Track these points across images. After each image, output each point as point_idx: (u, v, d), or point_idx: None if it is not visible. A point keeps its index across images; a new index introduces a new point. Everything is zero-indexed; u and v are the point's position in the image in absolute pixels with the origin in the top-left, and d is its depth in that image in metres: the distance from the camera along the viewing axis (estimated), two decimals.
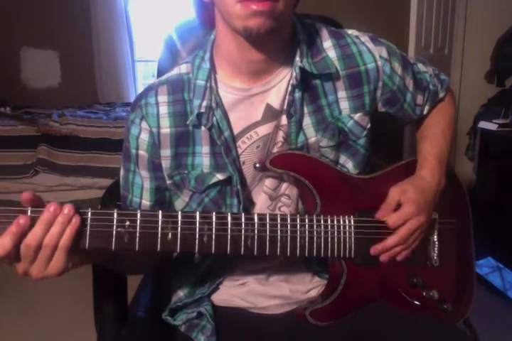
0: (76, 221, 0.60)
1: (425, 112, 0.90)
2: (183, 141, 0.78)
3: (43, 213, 0.59)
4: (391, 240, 0.76)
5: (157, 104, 0.78)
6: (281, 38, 0.75)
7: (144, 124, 0.78)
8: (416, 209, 0.76)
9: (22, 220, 0.58)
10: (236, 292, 0.85)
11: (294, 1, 0.73)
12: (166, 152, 0.78)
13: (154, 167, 0.80)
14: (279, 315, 0.84)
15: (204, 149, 0.78)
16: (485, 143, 2.44)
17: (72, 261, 0.62)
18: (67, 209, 0.60)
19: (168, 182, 0.80)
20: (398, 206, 0.77)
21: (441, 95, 0.91)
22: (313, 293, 0.85)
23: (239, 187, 0.77)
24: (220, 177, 0.77)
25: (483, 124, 2.40)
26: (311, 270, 0.86)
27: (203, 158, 0.78)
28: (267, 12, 0.64)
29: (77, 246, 0.62)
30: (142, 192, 0.81)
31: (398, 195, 0.77)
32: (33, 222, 0.59)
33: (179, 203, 0.82)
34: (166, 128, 0.78)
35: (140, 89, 3.86)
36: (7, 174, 2.52)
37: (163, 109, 0.78)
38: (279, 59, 0.76)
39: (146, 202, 0.82)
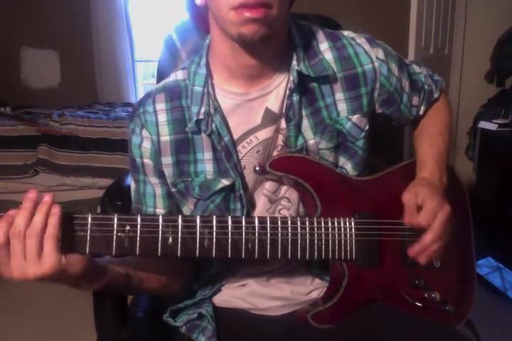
0: (56, 209, 0.60)
1: (421, 112, 0.90)
2: (183, 148, 0.78)
3: (23, 201, 0.60)
4: (428, 237, 0.74)
5: (155, 112, 0.78)
6: (276, 43, 0.75)
7: (145, 132, 0.78)
8: (439, 202, 0.75)
9: (12, 212, 0.60)
10: (237, 293, 0.85)
11: (288, 6, 0.72)
12: (167, 159, 0.78)
13: (161, 174, 0.80)
14: (279, 317, 0.84)
15: (206, 155, 0.78)
16: (485, 143, 2.44)
17: (68, 258, 0.61)
18: (47, 197, 0.61)
19: (173, 190, 0.80)
20: (418, 207, 0.76)
21: (435, 95, 0.91)
22: (315, 295, 0.85)
23: (242, 191, 0.77)
24: (225, 182, 0.77)
25: (483, 124, 2.40)
26: (312, 273, 0.85)
27: (205, 164, 0.78)
28: (260, 19, 0.64)
29: (74, 249, 0.61)
30: (155, 201, 0.81)
31: (414, 198, 0.76)
32: None
33: (185, 210, 0.82)
34: (165, 136, 0.78)
35: (140, 89, 3.87)
36: (7, 174, 2.51)
37: (162, 117, 0.78)
38: (276, 63, 0.76)
39: (161, 211, 0.81)
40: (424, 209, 0.75)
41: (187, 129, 0.77)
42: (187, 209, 0.82)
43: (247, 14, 0.63)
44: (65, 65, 3.62)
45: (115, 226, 0.63)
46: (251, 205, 0.81)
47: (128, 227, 0.64)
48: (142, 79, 4.02)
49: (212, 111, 0.75)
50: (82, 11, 3.49)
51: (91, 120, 2.64)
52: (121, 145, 2.43)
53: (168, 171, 0.79)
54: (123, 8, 3.56)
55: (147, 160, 0.79)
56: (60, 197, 2.51)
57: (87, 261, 0.65)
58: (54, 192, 2.52)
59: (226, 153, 0.76)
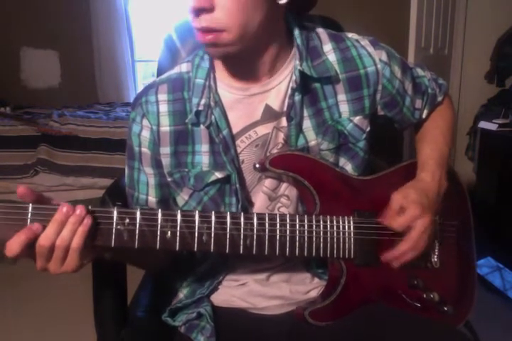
0: (88, 221, 0.61)
1: (424, 116, 0.90)
2: (182, 139, 0.78)
3: (56, 214, 0.61)
4: (404, 246, 0.75)
5: (157, 102, 0.79)
6: (258, 54, 0.74)
7: (145, 122, 0.79)
8: (420, 211, 0.76)
9: (35, 227, 0.60)
10: (236, 292, 0.85)
11: (264, 22, 0.68)
12: (166, 150, 0.79)
13: (157, 164, 0.80)
14: (278, 316, 0.84)
15: (203, 147, 0.78)
16: (485, 143, 2.44)
17: (88, 257, 0.64)
18: (79, 209, 0.61)
19: (169, 179, 0.81)
20: (401, 210, 0.76)
21: (439, 99, 0.91)
22: (314, 294, 0.85)
23: (237, 185, 0.78)
24: (218, 175, 0.77)
25: (483, 124, 2.40)
26: (311, 271, 0.86)
27: (202, 156, 0.79)
28: (211, 44, 0.67)
29: (91, 244, 0.63)
30: (148, 189, 0.82)
31: (401, 200, 0.77)
32: (43, 225, 0.60)
33: (179, 201, 0.83)
34: (165, 126, 0.78)
35: (140, 89, 3.86)
36: (7, 174, 2.51)
37: (163, 108, 0.78)
38: (272, 64, 0.76)
39: (153, 199, 0.82)
40: (404, 214, 0.76)
41: (187, 120, 0.77)
42: (181, 200, 0.82)
43: (201, 38, 0.68)
44: (65, 65, 3.63)
45: (115, 219, 0.64)
46: (250, 203, 0.81)
47: (127, 220, 0.64)
48: (142, 79, 4.02)
49: (212, 103, 0.76)
50: (82, 11, 3.50)
51: (91, 120, 2.65)
52: (121, 145, 2.42)
53: (166, 161, 0.80)
54: (123, 8, 3.57)
55: (145, 149, 0.80)
56: (60, 197, 2.51)
57: (101, 254, 0.68)
58: (54, 192, 2.52)
59: (224, 146, 0.77)
